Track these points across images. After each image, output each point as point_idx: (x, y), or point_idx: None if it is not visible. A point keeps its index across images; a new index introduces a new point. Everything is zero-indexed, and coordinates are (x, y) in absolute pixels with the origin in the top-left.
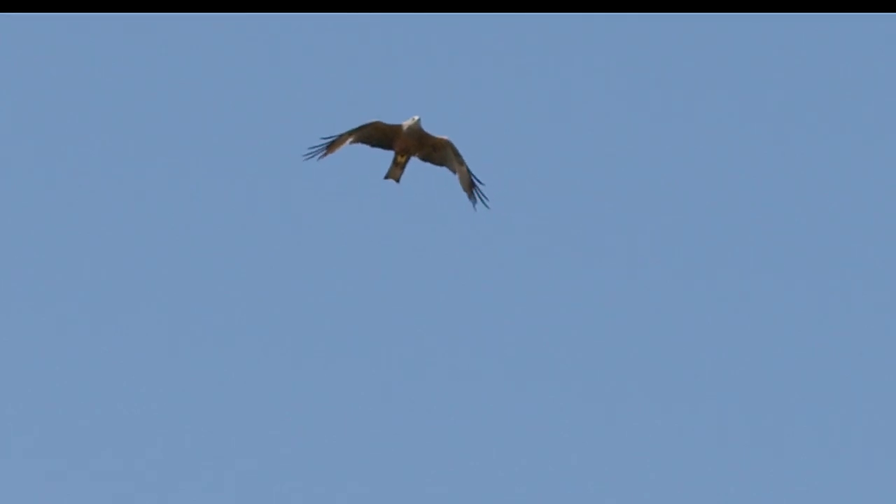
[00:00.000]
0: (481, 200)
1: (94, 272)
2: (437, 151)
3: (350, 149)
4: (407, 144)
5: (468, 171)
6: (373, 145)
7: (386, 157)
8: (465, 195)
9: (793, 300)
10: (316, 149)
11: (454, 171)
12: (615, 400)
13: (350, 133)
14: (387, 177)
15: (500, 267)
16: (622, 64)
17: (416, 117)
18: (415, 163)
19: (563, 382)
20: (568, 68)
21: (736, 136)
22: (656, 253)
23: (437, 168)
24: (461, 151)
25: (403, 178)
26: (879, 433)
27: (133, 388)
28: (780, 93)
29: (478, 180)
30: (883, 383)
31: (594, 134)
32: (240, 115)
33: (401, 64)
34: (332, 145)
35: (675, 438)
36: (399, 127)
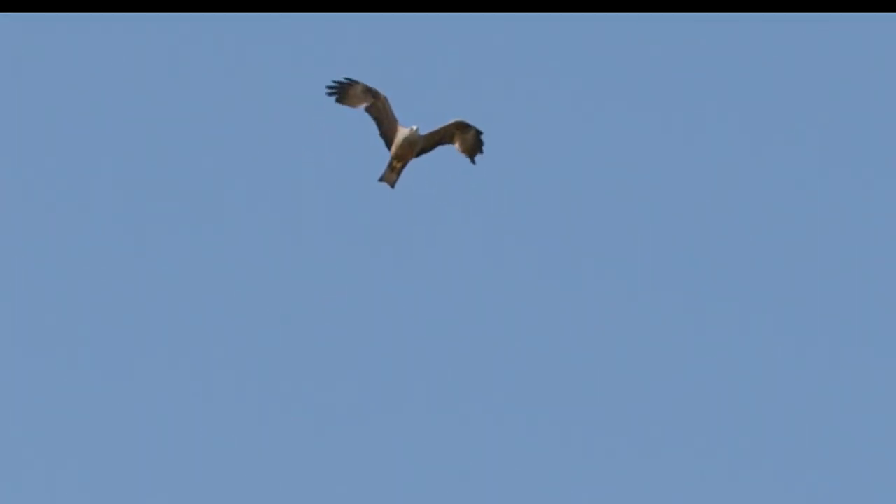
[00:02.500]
0: (480, 150)
1: (95, 266)
2: (437, 138)
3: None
4: (404, 151)
5: (477, 131)
6: (379, 130)
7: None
8: (464, 158)
9: (793, 299)
10: (335, 86)
11: (454, 142)
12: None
13: (366, 89)
14: (381, 179)
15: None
16: (622, 65)
17: (415, 127)
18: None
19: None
20: (567, 69)
21: (736, 137)
22: (656, 256)
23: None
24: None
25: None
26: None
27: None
28: (782, 93)
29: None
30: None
31: (593, 133)
32: (238, 115)
33: (398, 64)
34: (346, 92)
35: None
36: (400, 130)
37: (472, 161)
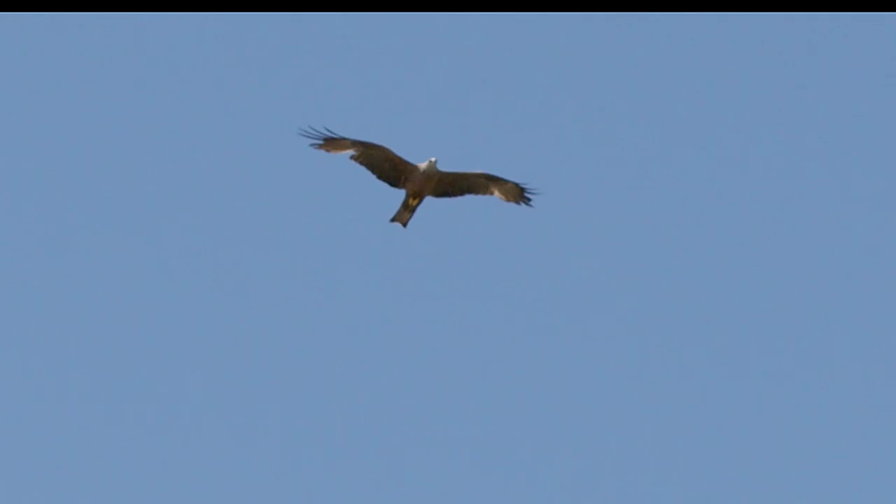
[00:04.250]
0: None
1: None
2: (461, 184)
3: (353, 169)
4: (421, 187)
5: (516, 184)
6: (379, 176)
7: (390, 193)
8: (511, 205)
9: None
10: (315, 134)
11: (493, 194)
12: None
13: (353, 143)
14: (393, 220)
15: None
16: (624, 66)
17: (433, 159)
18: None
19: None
20: (570, 69)
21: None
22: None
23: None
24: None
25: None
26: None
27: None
28: (787, 94)
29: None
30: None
31: (596, 136)
32: (236, 116)
33: (397, 64)
34: (330, 143)
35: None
36: (415, 167)
37: (529, 204)
